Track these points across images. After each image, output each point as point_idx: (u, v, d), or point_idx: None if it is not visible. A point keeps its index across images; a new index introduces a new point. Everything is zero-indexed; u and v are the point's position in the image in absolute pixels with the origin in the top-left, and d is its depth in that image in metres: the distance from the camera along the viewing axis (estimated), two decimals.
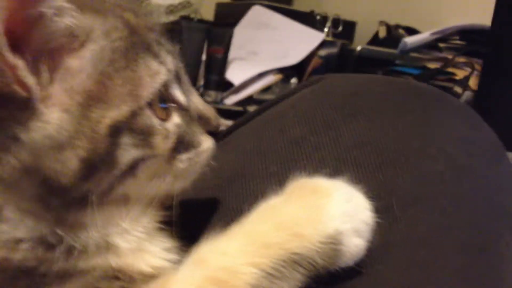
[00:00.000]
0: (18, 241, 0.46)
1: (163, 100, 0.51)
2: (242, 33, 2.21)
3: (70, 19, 0.45)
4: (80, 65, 0.46)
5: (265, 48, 2.16)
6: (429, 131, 0.61)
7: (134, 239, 0.51)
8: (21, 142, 0.44)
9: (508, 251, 0.59)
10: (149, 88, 0.49)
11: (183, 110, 0.54)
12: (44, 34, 0.44)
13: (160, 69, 0.50)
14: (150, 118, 0.49)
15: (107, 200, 0.49)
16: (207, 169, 0.56)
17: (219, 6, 2.75)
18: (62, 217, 0.47)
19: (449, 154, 0.60)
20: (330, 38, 2.21)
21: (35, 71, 0.44)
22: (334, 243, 0.47)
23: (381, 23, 2.23)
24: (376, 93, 0.64)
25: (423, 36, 1.87)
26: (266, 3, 2.39)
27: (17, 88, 0.42)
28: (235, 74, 2.00)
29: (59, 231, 0.47)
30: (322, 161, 0.57)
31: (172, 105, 0.52)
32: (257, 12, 2.35)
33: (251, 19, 2.33)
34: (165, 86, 0.51)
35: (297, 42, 2.14)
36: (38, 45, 0.44)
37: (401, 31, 2.14)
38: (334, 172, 0.52)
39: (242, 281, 0.44)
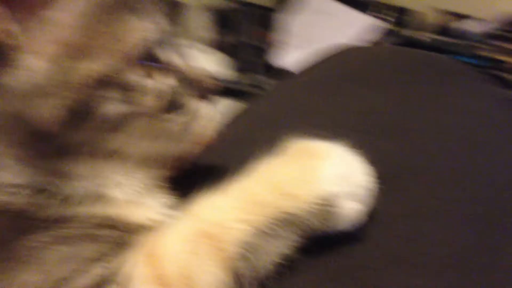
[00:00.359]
0: (15, 186, 0.48)
1: (150, 59, 0.52)
2: (298, 20, 2.19)
3: None
4: (64, 18, 0.47)
5: (320, 35, 2.14)
6: (442, 103, 0.59)
7: (130, 192, 0.53)
8: (6, 88, 0.46)
9: None
10: (133, 44, 0.50)
11: (174, 71, 0.55)
12: None
13: (145, 27, 0.51)
14: (135, 74, 0.50)
15: (98, 153, 0.51)
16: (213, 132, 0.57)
17: None
18: (54, 165, 0.49)
19: (463, 127, 0.57)
20: (381, 24, 2.16)
21: (20, 23, 0.46)
22: (328, 205, 0.46)
23: (434, 10, 2.16)
24: (389, 63, 0.62)
25: (477, 24, 1.80)
26: None
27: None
28: (288, 60, 2.00)
29: (52, 179, 0.49)
30: (324, 127, 0.56)
31: (161, 65, 0.53)
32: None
33: (308, 6, 2.31)
34: (152, 44, 0.52)
35: (351, 29, 2.10)
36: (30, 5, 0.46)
37: (453, 18, 2.07)
38: (334, 137, 0.52)
39: (233, 237, 0.45)
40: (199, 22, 2.00)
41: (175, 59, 0.55)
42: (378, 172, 0.51)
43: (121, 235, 0.49)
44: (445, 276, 0.48)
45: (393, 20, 2.24)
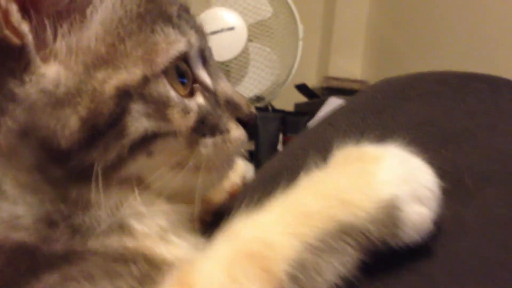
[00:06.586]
0: (18, 218, 0.42)
1: (183, 75, 0.48)
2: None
3: None
4: (88, 26, 0.44)
5: None
6: (498, 108, 0.53)
7: (153, 225, 0.47)
8: (17, 100, 0.42)
9: None
10: (165, 55, 0.46)
11: (209, 92, 0.51)
12: None
13: (179, 38, 0.48)
14: (165, 87, 0.46)
15: (118, 177, 0.45)
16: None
17: (297, 106, 2.82)
18: (65, 192, 0.43)
19: None
20: None
21: (40, 29, 0.43)
22: (389, 208, 0.39)
23: None
24: (433, 80, 0.57)
25: None
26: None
27: (8, 33, 0.41)
28: None
29: (62, 208, 0.43)
30: (373, 142, 0.50)
31: (196, 85, 0.50)
32: (333, 102, 2.35)
33: (327, 109, 2.34)
34: (186, 60, 0.49)
35: None
36: (46, 7, 0.43)
37: None
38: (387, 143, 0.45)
39: (280, 254, 0.37)
40: None
41: (205, 78, 0.51)
42: (443, 177, 0.44)
43: (144, 270, 0.42)
44: None
45: None
